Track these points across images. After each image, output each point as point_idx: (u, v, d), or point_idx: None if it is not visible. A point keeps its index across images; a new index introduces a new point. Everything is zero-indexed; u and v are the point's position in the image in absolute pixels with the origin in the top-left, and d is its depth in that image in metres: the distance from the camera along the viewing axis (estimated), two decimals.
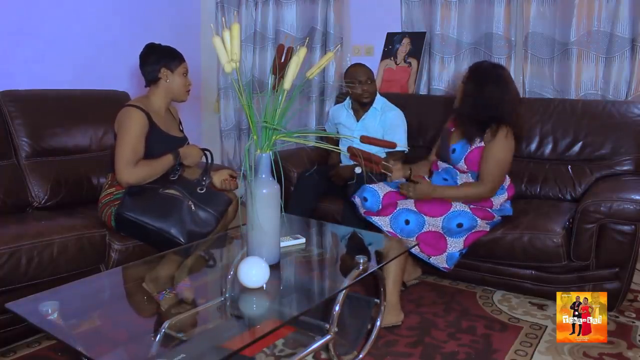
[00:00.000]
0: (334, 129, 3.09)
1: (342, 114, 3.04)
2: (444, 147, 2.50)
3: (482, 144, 2.35)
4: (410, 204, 2.29)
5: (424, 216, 2.27)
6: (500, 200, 2.39)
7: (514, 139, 2.33)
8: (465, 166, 2.39)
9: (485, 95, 2.30)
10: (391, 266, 2.21)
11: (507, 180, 2.44)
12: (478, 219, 2.30)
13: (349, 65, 2.99)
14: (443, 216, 2.27)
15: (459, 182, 2.42)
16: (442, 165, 2.50)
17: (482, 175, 2.33)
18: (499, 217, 2.42)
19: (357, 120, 2.95)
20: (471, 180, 2.39)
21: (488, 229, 2.36)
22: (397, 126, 2.86)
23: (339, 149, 2.27)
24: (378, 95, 2.94)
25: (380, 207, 2.36)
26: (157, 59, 2.34)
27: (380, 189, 2.41)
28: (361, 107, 2.93)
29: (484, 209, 2.35)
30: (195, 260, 2.07)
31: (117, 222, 2.21)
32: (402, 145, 2.79)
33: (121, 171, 2.22)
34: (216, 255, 2.16)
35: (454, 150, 2.43)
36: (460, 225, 2.27)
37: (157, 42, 2.42)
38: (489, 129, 2.32)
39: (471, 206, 2.31)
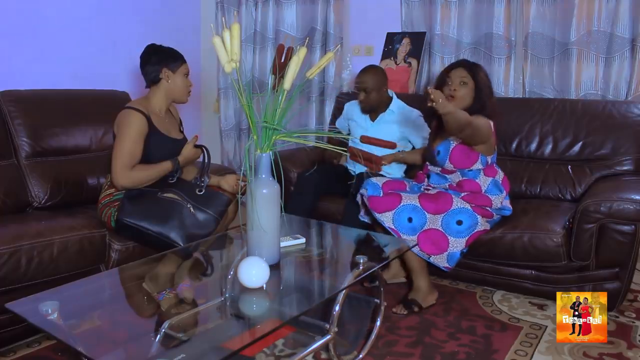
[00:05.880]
0: (346, 124, 3.05)
1: (356, 111, 2.97)
2: (429, 150, 2.51)
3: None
4: (414, 199, 2.30)
5: (426, 213, 2.27)
6: (499, 199, 2.38)
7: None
8: (452, 165, 2.39)
9: (487, 81, 2.40)
10: (411, 259, 2.31)
11: (501, 175, 2.44)
12: (478, 216, 2.30)
13: (364, 66, 2.87)
14: (443, 214, 2.28)
15: (452, 182, 2.42)
16: (432, 169, 2.50)
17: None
18: (499, 216, 2.42)
19: (373, 121, 2.89)
20: (461, 178, 2.39)
21: (489, 227, 2.36)
22: (420, 126, 2.80)
23: (340, 149, 2.25)
24: (395, 98, 2.88)
25: (382, 193, 2.37)
26: (159, 60, 2.33)
27: (379, 180, 2.46)
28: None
29: (484, 207, 2.35)
30: (195, 260, 2.08)
31: (117, 226, 2.21)
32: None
33: (117, 174, 2.22)
34: (216, 255, 2.16)
35: (438, 152, 2.42)
36: (459, 222, 2.27)
37: (157, 42, 2.41)
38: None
39: (472, 204, 2.32)
